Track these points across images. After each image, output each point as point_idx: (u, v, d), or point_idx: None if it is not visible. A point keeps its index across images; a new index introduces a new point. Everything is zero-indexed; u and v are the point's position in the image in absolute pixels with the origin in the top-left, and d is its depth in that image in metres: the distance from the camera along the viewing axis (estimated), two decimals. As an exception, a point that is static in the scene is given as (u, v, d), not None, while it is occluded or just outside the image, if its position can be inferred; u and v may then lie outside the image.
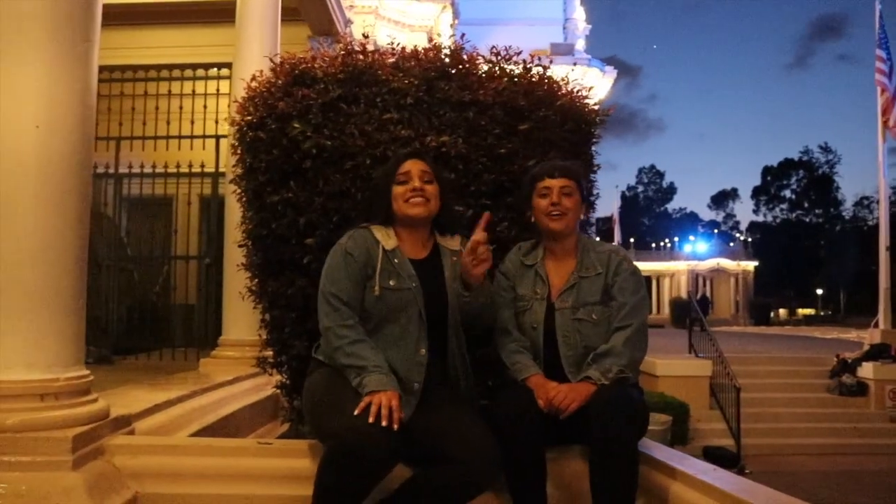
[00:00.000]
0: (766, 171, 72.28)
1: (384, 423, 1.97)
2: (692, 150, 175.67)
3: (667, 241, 56.76)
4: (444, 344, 2.41)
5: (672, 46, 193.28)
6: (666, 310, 48.65)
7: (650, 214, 76.11)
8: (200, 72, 8.93)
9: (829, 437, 10.59)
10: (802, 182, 70.31)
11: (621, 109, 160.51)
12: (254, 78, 3.13)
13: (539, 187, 2.54)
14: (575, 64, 12.21)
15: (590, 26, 13.59)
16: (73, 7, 2.49)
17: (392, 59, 2.98)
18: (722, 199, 77.51)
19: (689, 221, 75.90)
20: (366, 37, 3.36)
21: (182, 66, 8.92)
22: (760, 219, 72.69)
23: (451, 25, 10.65)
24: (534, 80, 3.28)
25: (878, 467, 9.88)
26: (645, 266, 52.32)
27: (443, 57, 3.04)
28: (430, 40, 9.84)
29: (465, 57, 3.12)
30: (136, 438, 2.42)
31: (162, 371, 5.37)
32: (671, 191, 78.45)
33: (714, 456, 10.05)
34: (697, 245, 55.76)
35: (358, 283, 2.29)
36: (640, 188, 78.83)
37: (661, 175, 78.72)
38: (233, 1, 6.12)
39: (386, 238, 2.35)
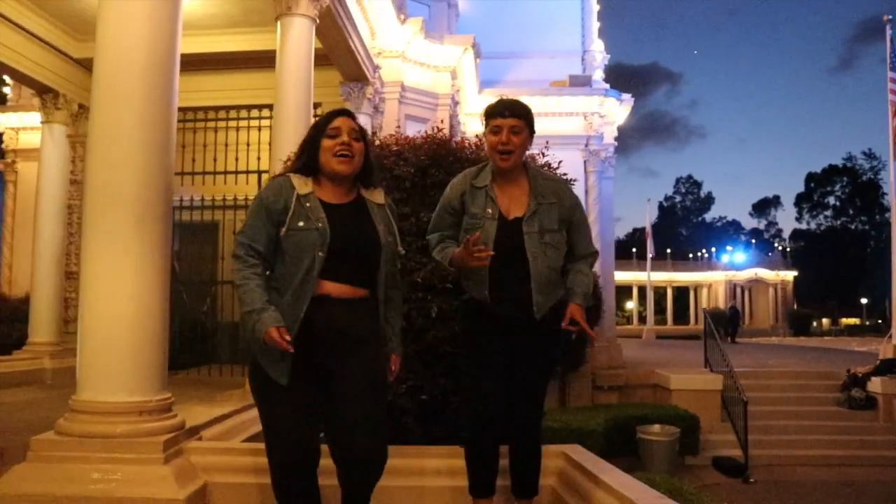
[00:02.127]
0: (810, 177, 71.50)
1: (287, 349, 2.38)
2: (733, 156, 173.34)
3: (704, 251, 56.54)
4: (374, 288, 2.68)
5: (713, 52, 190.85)
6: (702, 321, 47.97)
7: (687, 224, 75.86)
8: (244, 112, 9.89)
9: (836, 448, 11.07)
10: (847, 189, 69.47)
11: (662, 117, 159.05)
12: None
13: (491, 124, 2.87)
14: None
15: (608, 56, 14.25)
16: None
17: (396, 148, 3.80)
18: (764, 206, 76.88)
19: (730, 230, 75.43)
20: (374, 135, 4.20)
21: (227, 108, 9.89)
22: (804, 226, 71.96)
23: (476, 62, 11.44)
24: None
25: (883, 479, 10.30)
26: (682, 277, 52.28)
27: (435, 146, 3.85)
28: (454, 77, 10.73)
29: (453, 145, 3.93)
30: (203, 443, 3.33)
31: (212, 386, 6.24)
32: (709, 200, 78.11)
33: (722, 466, 10.68)
34: (735, 255, 55.35)
35: (264, 226, 2.55)
36: (678, 198, 78.65)
37: (698, 185, 78.46)
38: (272, 50, 7.04)
39: (302, 185, 2.59)
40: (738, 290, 51.90)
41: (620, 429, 10.15)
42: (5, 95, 13.81)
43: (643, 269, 41.21)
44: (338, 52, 8.38)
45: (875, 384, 11.85)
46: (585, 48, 13.76)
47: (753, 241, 66.84)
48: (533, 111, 11.10)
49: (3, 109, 13.07)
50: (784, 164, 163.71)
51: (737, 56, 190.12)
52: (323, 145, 2.61)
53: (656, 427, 10.15)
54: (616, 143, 14.30)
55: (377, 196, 2.76)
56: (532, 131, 2.92)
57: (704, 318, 14.00)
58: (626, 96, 13.74)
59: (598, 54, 13.75)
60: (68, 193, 10.32)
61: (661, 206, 78.19)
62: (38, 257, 9.91)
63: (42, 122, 10.09)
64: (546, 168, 4.29)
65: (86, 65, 10.05)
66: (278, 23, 6.46)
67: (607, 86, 13.58)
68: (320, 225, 2.52)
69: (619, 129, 14.54)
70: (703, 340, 13.56)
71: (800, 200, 71.66)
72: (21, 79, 9.64)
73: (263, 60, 8.33)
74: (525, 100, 11.48)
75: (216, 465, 3.12)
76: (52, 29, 9.24)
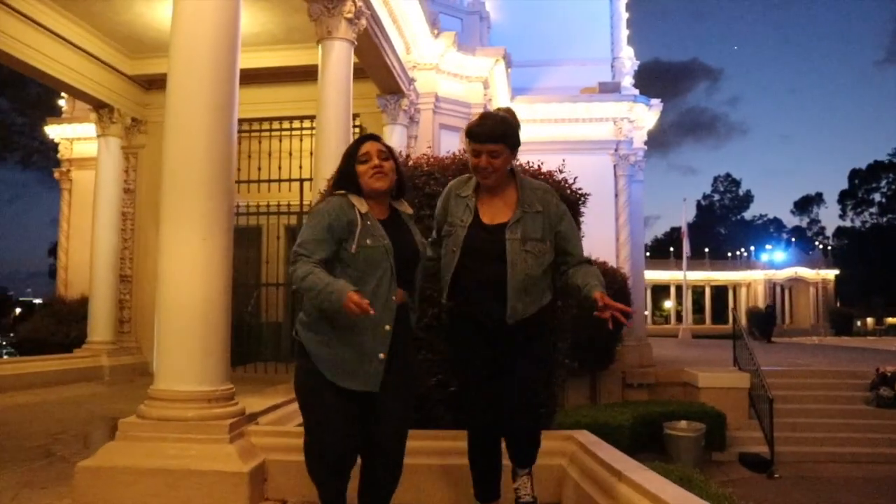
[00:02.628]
0: (854, 174, 70.36)
1: (368, 312, 2.48)
2: (775, 153, 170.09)
3: (742, 250, 56.04)
4: (411, 286, 2.92)
5: (755, 46, 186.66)
6: (742, 320, 47.60)
7: (726, 223, 75.24)
8: (286, 124, 10.45)
9: (863, 446, 11.29)
10: (893, 185, 68.21)
11: (702, 114, 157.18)
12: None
13: (472, 146, 2.91)
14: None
15: (638, 62, 14.54)
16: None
17: (427, 168, 4.26)
18: (806, 204, 75.81)
19: (771, 228, 74.62)
20: (409, 147, 4.67)
21: (270, 119, 10.45)
22: (848, 224, 70.83)
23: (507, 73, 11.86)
24: (539, 177, 4.40)
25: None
26: (720, 276, 51.91)
27: (461, 166, 4.27)
28: (486, 87, 11.22)
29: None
30: (261, 427, 3.86)
31: (258, 382, 6.75)
32: (748, 199, 77.30)
33: (748, 461, 10.98)
34: (774, 254, 54.72)
35: (326, 242, 2.70)
36: (716, 196, 78.02)
37: (737, 183, 77.72)
38: (312, 64, 7.57)
39: (361, 204, 2.79)
40: (778, 290, 51.24)
41: (647, 425, 10.51)
42: (60, 108, 14.53)
43: (681, 268, 41.16)
44: (374, 67, 8.87)
45: (904, 383, 12.03)
46: (615, 55, 14.11)
47: (794, 239, 66.06)
48: (563, 117, 11.58)
49: (59, 121, 13.77)
50: (827, 161, 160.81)
51: (779, 51, 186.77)
52: (359, 171, 2.82)
53: (682, 423, 10.49)
54: (646, 148, 14.62)
55: (406, 207, 3.02)
56: (515, 146, 2.94)
57: (732, 318, 14.25)
58: (655, 101, 14.07)
59: (628, 61, 14.09)
60: (122, 202, 10.99)
61: (699, 205, 77.67)
62: (95, 262, 10.58)
63: (98, 136, 10.76)
64: (563, 183, 4.61)
65: (138, 81, 10.74)
66: (319, 46, 6.97)
67: (636, 91, 13.92)
68: (385, 242, 2.74)
69: (653, 130, 14.91)
70: (733, 340, 13.79)
71: (843, 197, 70.53)
72: (79, 95, 10.30)
73: (304, 74, 8.87)
74: (555, 107, 12.02)
75: (272, 445, 3.62)
76: (107, 48, 9.89)
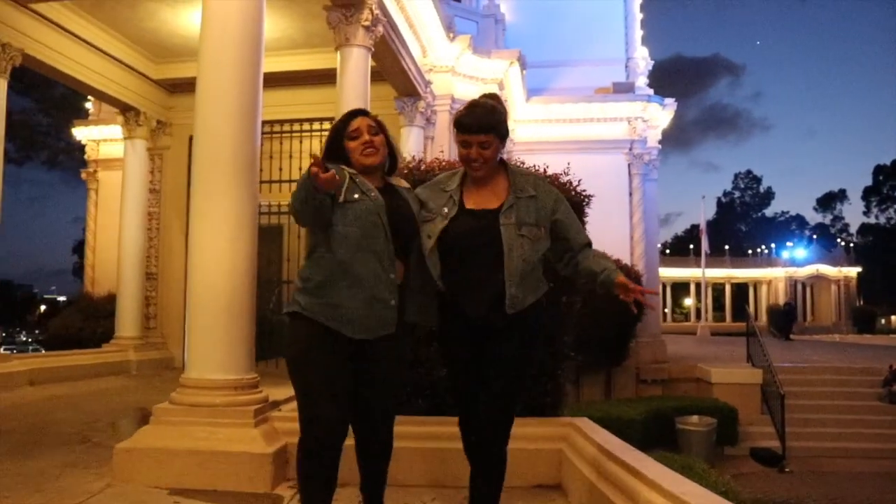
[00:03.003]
0: (879, 170, 69.65)
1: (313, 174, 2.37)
2: (798, 149, 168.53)
3: (763, 247, 55.74)
4: (405, 259, 2.78)
5: (778, 41, 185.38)
6: (763, 317, 47.50)
7: (746, 220, 74.87)
8: (306, 125, 10.74)
9: (875, 442, 11.42)
10: (918, 182, 67.57)
11: (724, 109, 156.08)
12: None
13: (460, 137, 2.79)
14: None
15: (652, 62, 14.75)
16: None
17: (439, 171, 4.51)
18: (829, 200, 75.16)
19: (793, 225, 74.15)
20: (420, 161, 4.92)
21: (291, 121, 10.74)
22: (872, 221, 70.13)
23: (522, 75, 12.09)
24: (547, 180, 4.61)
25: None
26: (740, 273, 51.70)
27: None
28: (502, 88, 11.48)
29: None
30: (283, 413, 4.15)
31: (278, 375, 7.05)
32: (768, 196, 76.84)
33: (759, 456, 11.15)
34: (796, 251, 54.39)
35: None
36: (737, 194, 77.62)
37: (757, 180, 77.27)
38: (330, 68, 7.86)
39: (349, 169, 2.71)
40: (799, 287, 50.92)
41: (660, 419, 10.71)
42: (87, 110, 14.91)
43: (701, 265, 41.05)
44: (391, 71, 9.14)
45: (915, 379, 12.14)
46: (629, 55, 14.29)
47: (817, 236, 65.56)
48: (578, 117, 11.82)
49: (85, 123, 14.12)
50: (851, 157, 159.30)
51: (803, 46, 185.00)
52: (348, 147, 2.75)
53: (694, 418, 10.68)
54: (660, 147, 14.79)
55: (401, 181, 2.93)
56: (504, 136, 2.84)
57: (746, 316, 14.39)
58: (669, 101, 14.23)
59: (642, 61, 14.26)
60: (148, 202, 11.35)
61: (719, 202, 77.31)
62: (122, 260, 10.95)
63: (125, 138, 11.12)
64: (568, 185, 4.82)
65: (163, 84, 11.09)
66: (338, 52, 7.25)
67: (651, 91, 14.10)
68: (373, 194, 2.67)
69: (669, 128, 15.08)
70: (746, 337, 13.94)
71: (868, 194, 69.86)
72: (107, 99, 10.66)
73: (323, 77, 9.15)
74: (570, 107, 12.26)
75: (294, 430, 3.85)
76: (133, 53, 10.24)
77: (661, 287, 15.23)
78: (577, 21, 14.20)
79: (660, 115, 14.16)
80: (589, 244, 2.86)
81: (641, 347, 13.21)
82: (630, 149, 13.65)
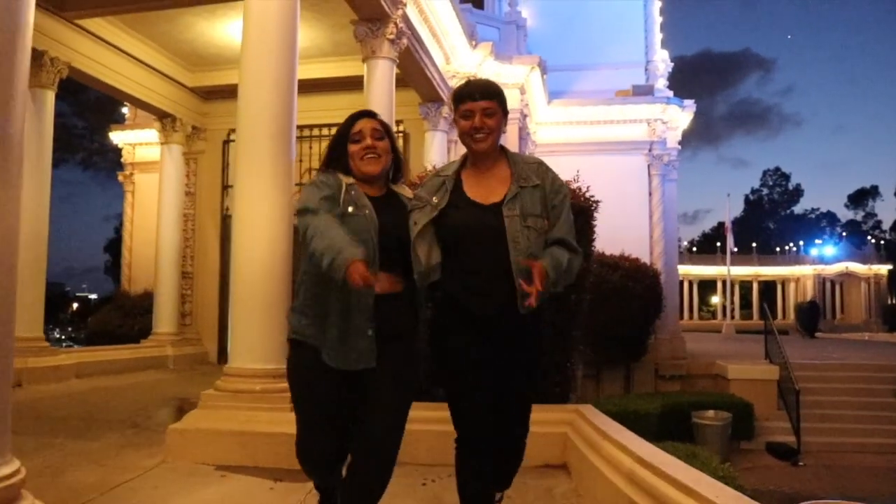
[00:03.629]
0: (912, 166, 68.66)
1: (366, 286, 2.28)
2: (830, 144, 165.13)
3: (791, 244, 55.36)
4: (408, 281, 2.64)
5: (810, 35, 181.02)
6: (791, 315, 47.14)
7: (775, 217, 74.34)
8: (334, 130, 11.19)
9: (891, 437, 11.56)
10: (954, 177, 66.50)
11: (753, 105, 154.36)
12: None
13: (462, 109, 2.63)
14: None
15: (672, 64, 14.99)
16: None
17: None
18: (861, 197, 74.19)
19: (824, 222, 73.51)
20: (434, 166, 5.30)
21: (319, 126, 11.20)
22: (907, 217, 68.98)
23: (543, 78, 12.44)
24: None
25: (934, 465, 10.87)
26: (768, 271, 51.44)
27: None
28: (523, 93, 11.84)
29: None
30: None
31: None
32: (797, 193, 76.14)
33: (774, 450, 11.40)
34: (825, 248, 53.92)
35: (327, 200, 2.50)
36: (765, 191, 77.04)
37: (786, 177, 76.62)
38: (356, 75, 8.31)
39: (346, 178, 2.58)
40: (828, 285, 50.46)
41: (676, 414, 11.00)
42: (123, 115, 15.49)
43: (731, 262, 40.94)
44: (416, 79, 9.56)
45: (931, 376, 12.31)
46: (648, 58, 14.58)
47: (846, 233, 64.85)
48: (598, 119, 12.24)
49: (122, 128, 14.70)
50: (884, 153, 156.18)
51: (835, 40, 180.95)
52: (350, 151, 2.60)
53: (710, 412, 10.97)
54: (679, 147, 15.05)
55: (406, 191, 2.78)
56: (505, 113, 2.70)
57: (763, 313, 14.60)
58: (689, 102, 14.50)
59: (661, 64, 14.54)
60: (184, 204, 11.89)
61: (747, 200, 76.77)
62: (159, 260, 11.49)
63: (161, 143, 11.67)
64: (577, 191, 5.19)
65: (198, 92, 11.61)
66: (364, 64, 7.68)
67: (670, 93, 14.37)
68: (367, 212, 2.52)
69: (698, 125, 15.35)
70: (764, 334, 14.16)
71: (901, 190, 68.80)
72: (146, 107, 11.20)
73: (349, 84, 9.58)
74: (591, 109, 12.67)
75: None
76: (170, 63, 10.77)
77: (679, 284, 15.43)
78: (598, 25, 14.51)
79: (679, 116, 14.42)
80: (561, 241, 2.65)
81: (660, 344, 13.50)
82: (650, 150, 13.93)
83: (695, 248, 59.90)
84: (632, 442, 3.37)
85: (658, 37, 14.81)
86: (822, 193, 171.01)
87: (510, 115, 11.63)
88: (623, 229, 12.26)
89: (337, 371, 2.48)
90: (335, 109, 11.29)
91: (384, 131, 2.66)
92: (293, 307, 2.64)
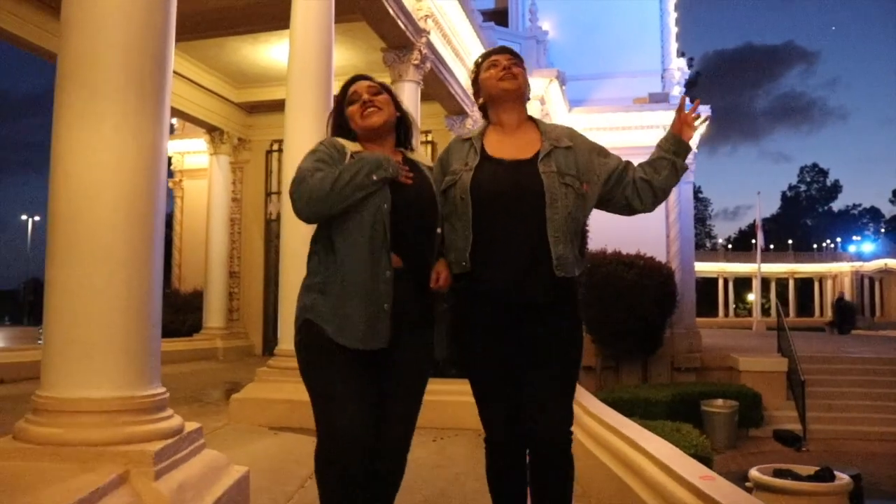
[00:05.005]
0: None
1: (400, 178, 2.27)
2: (876, 138, 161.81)
3: (828, 241, 55.10)
4: (429, 257, 2.40)
5: (855, 26, 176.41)
6: (829, 312, 46.77)
7: (812, 214, 73.84)
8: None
9: (893, 426, 12.22)
10: None
11: (796, 99, 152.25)
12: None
13: (486, 63, 2.52)
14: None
15: (689, 71, 15.78)
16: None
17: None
18: (906, 192, 73.36)
19: (867, 217, 72.83)
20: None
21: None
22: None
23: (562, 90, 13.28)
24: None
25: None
26: (804, 268, 51.34)
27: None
28: (543, 103, 12.76)
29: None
30: None
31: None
32: (835, 189, 75.55)
33: (780, 437, 12.10)
34: (863, 245, 53.57)
35: (330, 164, 2.28)
36: (802, 187, 76.55)
37: (824, 173, 76.05)
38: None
39: (351, 145, 2.37)
40: (866, 282, 50.14)
41: (686, 402, 11.78)
42: (173, 126, 16.64)
43: (764, 260, 41.03)
44: (440, 95, 10.49)
45: (938, 368, 12.91)
46: (665, 67, 15.33)
47: (884, 230, 64.24)
48: (617, 125, 13.39)
49: (171, 138, 15.79)
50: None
51: (881, 31, 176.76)
52: (349, 114, 2.42)
53: (718, 401, 11.73)
54: (696, 150, 15.78)
55: (422, 156, 2.58)
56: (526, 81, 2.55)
57: (777, 310, 15.26)
58: (703, 108, 15.22)
59: (677, 72, 15.28)
60: (231, 209, 12.98)
61: (784, 196, 76.42)
62: (209, 260, 12.58)
63: (210, 154, 12.77)
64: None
65: (243, 106, 12.69)
66: (392, 87, 8.60)
67: (687, 100, 15.11)
68: (376, 178, 2.25)
69: (705, 134, 16.01)
70: (777, 329, 14.83)
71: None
72: (196, 122, 12.29)
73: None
74: (610, 116, 13.77)
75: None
76: (218, 81, 11.84)
77: (702, 282, 16.12)
78: (616, 35, 15.29)
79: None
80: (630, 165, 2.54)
81: (677, 338, 14.25)
82: (666, 154, 14.67)
83: (730, 246, 59.98)
84: (597, 408, 4.24)
85: (674, 46, 15.56)
86: (867, 189, 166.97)
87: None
88: (640, 230, 13.03)
89: (353, 353, 2.24)
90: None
91: (381, 87, 2.50)
92: (307, 284, 2.37)
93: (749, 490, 5.35)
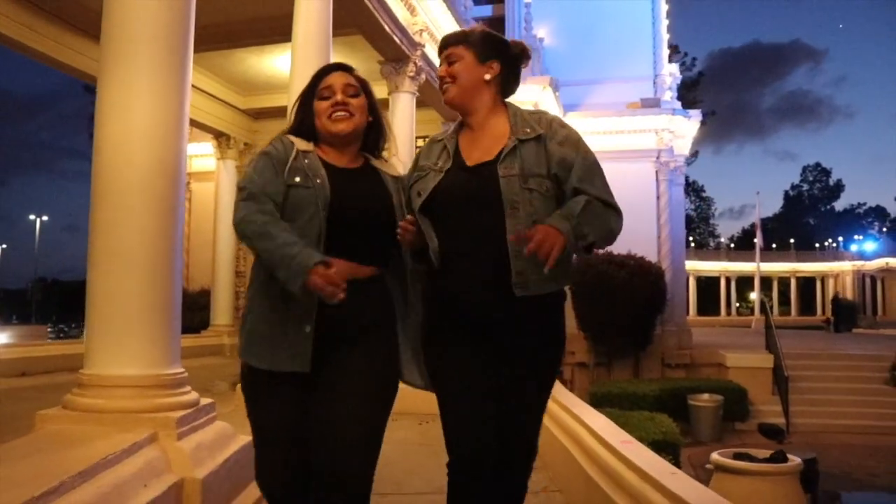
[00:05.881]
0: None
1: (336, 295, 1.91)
2: (884, 136, 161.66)
3: (830, 240, 55.40)
4: (385, 265, 2.22)
5: (864, 23, 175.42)
6: (829, 311, 46.98)
7: (815, 213, 74.12)
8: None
9: (873, 419, 12.64)
10: None
11: (803, 97, 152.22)
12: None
13: (441, 56, 2.30)
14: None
15: (680, 77, 16.27)
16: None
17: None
18: (911, 191, 73.48)
19: (872, 216, 73.03)
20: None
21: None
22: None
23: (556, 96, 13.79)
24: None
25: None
26: (806, 267, 51.64)
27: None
28: (535, 107, 13.36)
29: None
30: None
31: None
32: (838, 188, 75.83)
33: (764, 430, 12.53)
34: (865, 244, 53.86)
35: (275, 178, 2.09)
36: (805, 187, 76.84)
37: (827, 173, 76.34)
38: (385, 98, 9.72)
39: (302, 143, 2.18)
40: (868, 281, 50.39)
41: (674, 396, 12.26)
42: (182, 129, 17.15)
43: (766, 259, 41.38)
44: (436, 103, 11.00)
45: (919, 364, 13.39)
46: (657, 72, 15.82)
47: (885, 229, 64.45)
48: (610, 129, 14.02)
49: (180, 141, 16.34)
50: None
51: (889, 29, 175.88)
52: (316, 109, 2.20)
53: (705, 396, 12.23)
54: (686, 154, 16.30)
55: (390, 167, 2.33)
56: (488, 56, 2.23)
57: (763, 309, 15.72)
58: (695, 112, 15.76)
59: (668, 77, 15.76)
60: (237, 211, 13.50)
61: (786, 195, 76.75)
62: (217, 260, 13.14)
63: (217, 158, 13.33)
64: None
65: (249, 113, 13.24)
66: (389, 97, 9.13)
67: (678, 104, 15.63)
68: (318, 181, 2.10)
69: (697, 136, 16.58)
70: (765, 327, 15.31)
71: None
72: (205, 128, 12.84)
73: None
74: (603, 120, 14.47)
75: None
76: (225, 89, 12.40)
77: (685, 281, 16.62)
78: (610, 42, 15.75)
79: (685, 126, 15.63)
80: (579, 191, 2.12)
81: (668, 335, 14.74)
82: (658, 157, 15.18)
83: (732, 245, 60.34)
84: (569, 399, 4.73)
85: (665, 52, 16.04)
86: (873, 187, 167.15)
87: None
88: (632, 231, 13.24)
89: (289, 383, 2.06)
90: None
91: (361, 88, 2.27)
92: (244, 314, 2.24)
93: (710, 471, 5.87)
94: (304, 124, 2.24)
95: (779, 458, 5.87)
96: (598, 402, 10.05)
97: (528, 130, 2.17)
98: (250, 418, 2.19)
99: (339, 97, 2.18)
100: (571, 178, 2.12)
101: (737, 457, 5.90)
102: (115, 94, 3.02)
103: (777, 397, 13.35)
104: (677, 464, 6.34)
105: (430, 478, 4.02)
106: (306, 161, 2.13)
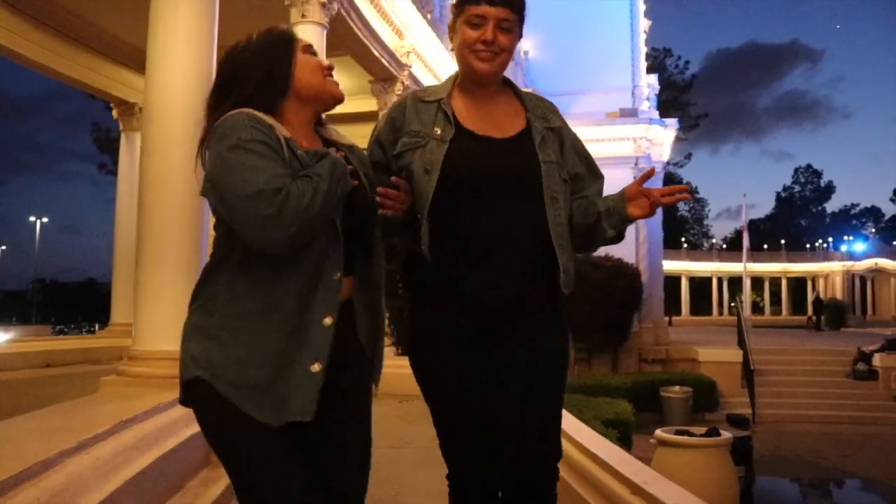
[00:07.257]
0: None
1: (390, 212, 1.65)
2: (881, 137, 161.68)
3: (821, 241, 56.10)
4: (368, 255, 1.76)
5: (861, 24, 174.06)
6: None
7: (806, 215, 75.00)
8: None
9: (833, 410, 13.60)
10: None
11: (800, 97, 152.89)
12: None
13: (469, 13, 1.82)
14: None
15: (658, 87, 17.17)
16: None
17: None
18: (905, 191, 74.07)
19: (865, 217, 73.80)
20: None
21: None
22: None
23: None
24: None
25: (866, 432, 12.84)
26: (796, 268, 52.32)
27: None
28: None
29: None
30: None
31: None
32: (829, 190, 76.71)
33: (732, 420, 13.47)
34: (854, 245, 54.53)
35: (281, 161, 1.52)
36: (796, 188, 77.68)
37: (818, 174, 77.18)
38: (371, 111, 10.55)
39: (278, 126, 1.59)
40: (857, 281, 51.00)
41: (648, 389, 13.17)
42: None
43: (757, 260, 41.94)
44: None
45: (877, 359, 14.29)
46: (635, 84, 16.72)
47: (874, 230, 65.20)
48: (591, 138, 15.19)
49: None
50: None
51: (887, 29, 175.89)
52: (305, 66, 1.69)
53: (676, 388, 13.14)
54: (664, 160, 17.19)
55: (339, 135, 1.86)
56: (520, 35, 1.90)
57: (737, 309, 16.61)
58: (671, 121, 16.71)
59: (646, 88, 16.67)
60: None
61: (778, 197, 77.59)
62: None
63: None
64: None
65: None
66: (379, 114, 9.99)
67: (655, 114, 16.54)
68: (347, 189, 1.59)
69: (675, 143, 17.41)
70: (738, 325, 16.23)
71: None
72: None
73: (371, 117, 11.89)
74: (583, 129, 15.67)
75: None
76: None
77: (662, 279, 17.53)
78: (591, 55, 16.63)
79: (662, 134, 16.54)
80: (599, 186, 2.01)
81: (645, 332, 15.64)
82: (636, 164, 16.06)
83: (724, 246, 61.16)
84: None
85: (643, 64, 16.95)
86: (868, 188, 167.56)
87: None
88: (611, 233, 14.36)
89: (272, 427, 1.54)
90: (359, 137, 13.76)
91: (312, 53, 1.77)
92: (195, 322, 1.70)
93: (653, 446, 6.73)
94: (268, 96, 1.66)
95: (713, 434, 6.74)
96: (573, 392, 10.90)
97: (548, 119, 1.94)
98: (240, 466, 1.61)
99: (327, 62, 1.81)
100: (586, 191, 1.96)
101: (678, 433, 6.77)
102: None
103: (745, 389, 14.25)
104: (627, 439, 7.23)
105: (410, 439, 4.89)
106: (299, 152, 1.57)
